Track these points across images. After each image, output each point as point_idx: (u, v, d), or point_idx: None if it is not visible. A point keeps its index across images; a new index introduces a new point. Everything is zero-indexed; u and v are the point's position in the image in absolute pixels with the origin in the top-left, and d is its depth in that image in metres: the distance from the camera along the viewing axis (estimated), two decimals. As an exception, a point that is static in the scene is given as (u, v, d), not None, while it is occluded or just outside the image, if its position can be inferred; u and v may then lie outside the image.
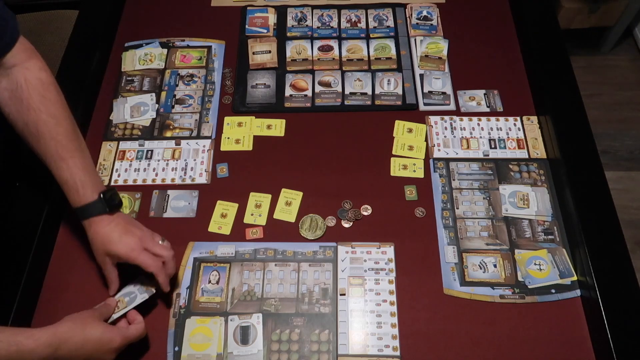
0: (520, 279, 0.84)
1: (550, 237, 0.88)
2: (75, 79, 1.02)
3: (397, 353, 0.78)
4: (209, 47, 1.13)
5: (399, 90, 1.05)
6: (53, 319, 0.69)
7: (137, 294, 0.78)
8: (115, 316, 0.75)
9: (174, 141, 0.99)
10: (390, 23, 1.15)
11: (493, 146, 0.98)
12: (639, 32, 2.15)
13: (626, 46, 2.19)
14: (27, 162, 0.89)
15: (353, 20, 1.16)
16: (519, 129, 1.00)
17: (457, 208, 0.91)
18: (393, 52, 1.10)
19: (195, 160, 0.97)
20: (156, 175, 0.95)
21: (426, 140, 0.99)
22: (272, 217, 0.91)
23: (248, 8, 1.18)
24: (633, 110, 2.03)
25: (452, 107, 1.03)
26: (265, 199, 0.92)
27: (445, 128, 1.00)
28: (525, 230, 0.88)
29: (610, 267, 0.80)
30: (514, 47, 1.12)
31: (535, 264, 0.85)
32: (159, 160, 0.97)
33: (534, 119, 1.01)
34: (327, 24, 1.16)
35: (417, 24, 1.15)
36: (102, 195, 0.77)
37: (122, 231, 0.76)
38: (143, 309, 0.81)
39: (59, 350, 0.64)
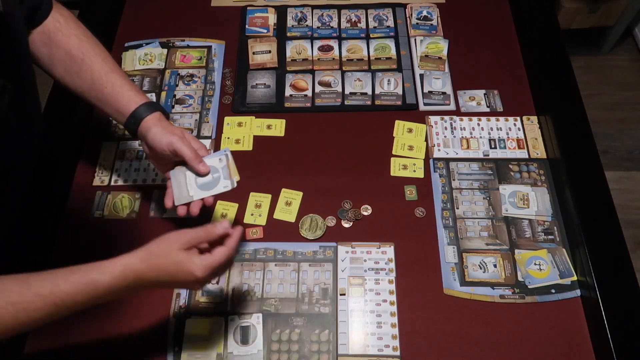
0: (520, 279, 0.84)
1: (550, 237, 0.88)
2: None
3: (397, 353, 0.78)
4: (209, 47, 1.13)
5: (399, 90, 1.05)
6: None
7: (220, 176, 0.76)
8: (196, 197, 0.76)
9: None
10: (390, 23, 1.15)
11: (493, 146, 0.98)
12: (639, 32, 2.15)
13: (626, 46, 2.19)
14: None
15: (353, 20, 1.16)
16: (519, 129, 1.00)
17: (457, 208, 0.91)
18: (393, 52, 1.10)
19: (195, 160, 0.97)
20: (156, 175, 0.95)
21: (426, 140, 0.99)
22: (272, 217, 0.91)
23: (248, 8, 1.18)
24: (633, 110, 2.03)
25: (452, 107, 1.03)
26: (265, 199, 0.92)
27: (445, 128, 1.00)
28: (525, 230, 0.88)
29: (610, 267, 0.80)
30: (514, 47, 1.12)
31: (535, 264, 0.85)
32: (159, 160, 0.97)
33: (534, 119, 1.01)
34: (327, 24, 1.16)
35: (417, 24, 1.15)
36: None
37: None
38: (143, 307, 0.82)
39: (137, 281, 0.62)
